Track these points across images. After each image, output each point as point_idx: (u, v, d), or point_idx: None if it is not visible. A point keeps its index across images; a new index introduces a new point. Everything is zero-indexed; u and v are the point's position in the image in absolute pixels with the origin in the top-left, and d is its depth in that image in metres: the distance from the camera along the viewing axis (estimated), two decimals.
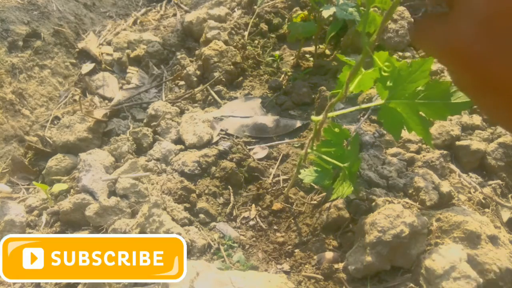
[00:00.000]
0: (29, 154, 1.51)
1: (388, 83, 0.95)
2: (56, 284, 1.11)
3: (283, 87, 1.67)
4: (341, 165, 1.09)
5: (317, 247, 1.17)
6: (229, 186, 1.35)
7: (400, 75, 0.94)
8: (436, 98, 0.95)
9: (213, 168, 1.37)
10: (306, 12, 1.79)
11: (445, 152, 1.37)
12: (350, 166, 1.09)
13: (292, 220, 1.25)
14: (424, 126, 0.98)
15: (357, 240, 1.12)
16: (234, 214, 1.30)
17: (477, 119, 1.50)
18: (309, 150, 1.12)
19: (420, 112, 0.97)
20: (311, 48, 1.79)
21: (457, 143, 1.41)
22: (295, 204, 1.28)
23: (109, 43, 1.96)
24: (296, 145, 1.46)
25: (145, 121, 1.57)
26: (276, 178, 1.37)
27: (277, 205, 1.28)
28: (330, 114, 1.02)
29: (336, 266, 1.12)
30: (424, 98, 0.95)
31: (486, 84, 0.35)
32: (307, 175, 1.23)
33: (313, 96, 1.61)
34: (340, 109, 1.11)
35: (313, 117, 1.05)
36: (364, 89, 0.99)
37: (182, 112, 1.59)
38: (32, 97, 1.65)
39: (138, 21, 2.16)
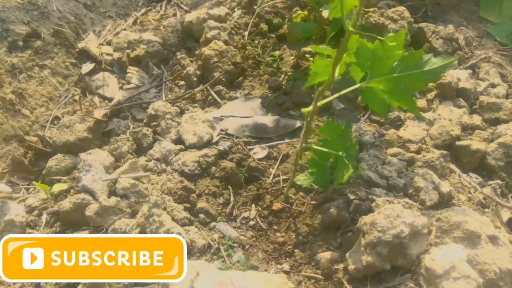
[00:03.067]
0: (29, 154, 1.51)
1: (366, 64, 0.97)
2: (56, 284, 1.11)
3: (283, 87, 1.67)
4: (338, 153, 1.11)
5: (317, 247, 1.17)
6: (229, 186, 1.35)
7: (375, 54, 0.96)
8: (413, 69, 0.97)
9: (213, 168, 1.37)
10: (306, 12, 1.79)
11: (445, 152, 1.37)
12: (346, 150, 1.10)
13: (292, 220, 1.25)
14: (408, 98, 1.01)
15: (357, 240, 1.12)
16: (234, 214, 1.30)
17: (477, 119, 1.50)
18: (304, 145, 1.12)
19: (402, 86, 0.99)
20: (311, 48, 1.79)
21: (457, 143, 1.41)
22: (295, 204, 1.28)
23: (109, 43, 1.96)
24: (296, 145, 1.46)
25: (145, 121, 1.57)
26: (276, 178, 1.37)
27: (277, 205, 1.28)
28: (319, 103, 1.03)
29: (336, 266, 1.12)
30: (402, 71, 0.97)
31: None
32: (304, 179, 1.24)
33: (313, 96, 1.61)
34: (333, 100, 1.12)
35: (303, 109, 1.06)
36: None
37: (182, 112, 1.59)
38: (32, 97, 1.65)
39: (138, 21, 2.16)
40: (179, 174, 1.35)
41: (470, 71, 1.69)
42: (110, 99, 1.73)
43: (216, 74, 1.68)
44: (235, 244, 1.21)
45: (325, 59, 1.12)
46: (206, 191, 1.32)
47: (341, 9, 0.88)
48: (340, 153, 1.12)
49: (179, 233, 1.14)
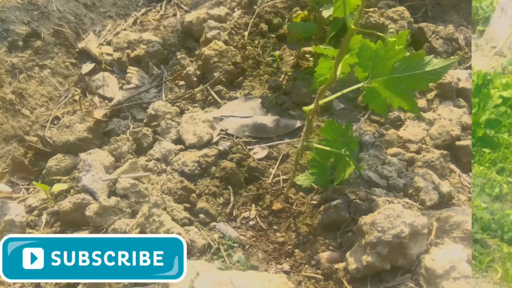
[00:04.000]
0: (29, 154, 1.51)
1: (368, 64, 0.98)
2: (56, 284, 1.11)
3: (283, 87, 1.67)
4: (339, 151, 1.11)
5: (317, 247, 1.17)
6: (229, 186, 1.35)
7: (377, 54, 0.97)
8: (414, 69, 0.98)
9: (213, 168, 1.37)
10: (306, 12, 1.79)
11: (445, 152, 1.37)
12: (348, 147, 1.11)
13: (292, 220, 1.25)
14: (409, 98, 1.01)
15: (357, 240, 1.12)
16: (234, 214, 1.30)
17: None
18: (304, 143, 1.13)
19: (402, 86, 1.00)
20: (311, 48, 1.79)
21: (457, 143, 1.41)
22: (295, 204, 1.28)
23: (109, 43, 1.96)
24: (296, 145, 1.46)
25: (145, 121, 1.57)
26: (276, 178, 1.37)
27: (277, 205, 1.28)
28: (321, 102, 1.03)
29: (336, 266, 1.12)
30: (403, 72, 0.98)
31: None
32: (304, 179, 1.24)
33: (313, 96, 1.61)
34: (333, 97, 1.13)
35: (305, 108, 1.06)
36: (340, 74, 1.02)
37: (182, 112, 1.59)
38: (32, 97, 1.65)
39: (138, 21, 2.16)
40: (179, 174, 1.35)
41: (470, 71, 1.69)
42: (110, 99, 1.73)
43: (216, 74, 1.68)
44: (235, 244, 1.21)
45: (329, 61, 1.12)
46: (206, 191, 1.32)
47: (344, 8, 0.89)
48: (343, 150, 1.12)
49: (179, 233, 1.14)
